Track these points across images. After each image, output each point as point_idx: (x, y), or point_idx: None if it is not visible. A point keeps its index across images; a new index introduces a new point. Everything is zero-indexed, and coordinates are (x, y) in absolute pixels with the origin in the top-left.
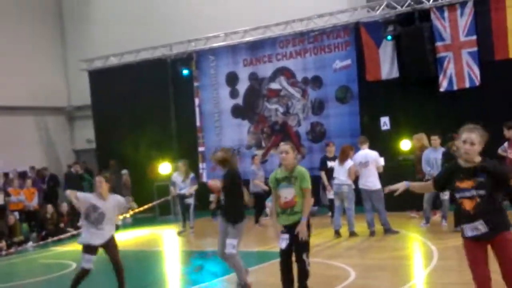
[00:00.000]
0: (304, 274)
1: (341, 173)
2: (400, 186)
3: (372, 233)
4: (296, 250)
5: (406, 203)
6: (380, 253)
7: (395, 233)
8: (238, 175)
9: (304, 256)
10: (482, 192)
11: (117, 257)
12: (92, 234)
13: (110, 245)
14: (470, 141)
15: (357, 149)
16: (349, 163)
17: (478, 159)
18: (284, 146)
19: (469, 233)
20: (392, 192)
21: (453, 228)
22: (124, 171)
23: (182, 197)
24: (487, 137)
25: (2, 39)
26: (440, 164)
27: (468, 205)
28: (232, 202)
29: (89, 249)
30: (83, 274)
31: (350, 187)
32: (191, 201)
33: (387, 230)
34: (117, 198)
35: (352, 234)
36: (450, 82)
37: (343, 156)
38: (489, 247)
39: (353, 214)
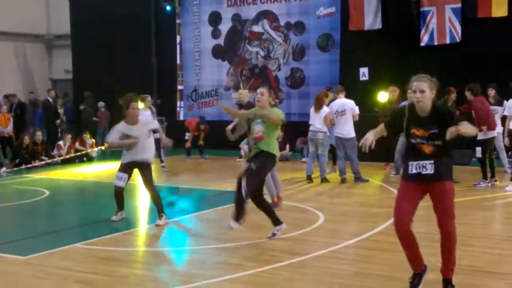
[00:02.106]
0: (237, 198)
1: (316, 120)
2: (370, 136)
3: (343, 180)
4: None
5: (379, 153)
6: (349, 200)
7: (365, 182)
8: None
9: (243, 182)
10: (438, 142)
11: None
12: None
13: None
14: (420, 89)
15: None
16: (324, 110)
17: (430, 107)
18: (261, 88)
19: (414, 170)
20: (370, 147)
21: None
22: (101, 104)
23: None
24: (437, 85)
25: None
26: None
27: (427, 149)
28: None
29: None
30: None
31: (325, 135)
32: (158, 135)
33: (358, 178)
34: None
35: (324, 180)
36: (431, 37)
37: (318, 104)
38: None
39: (326, 161)
